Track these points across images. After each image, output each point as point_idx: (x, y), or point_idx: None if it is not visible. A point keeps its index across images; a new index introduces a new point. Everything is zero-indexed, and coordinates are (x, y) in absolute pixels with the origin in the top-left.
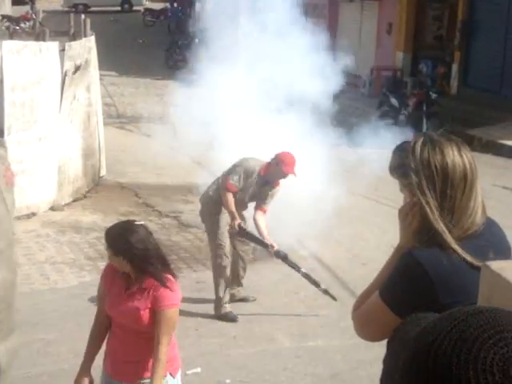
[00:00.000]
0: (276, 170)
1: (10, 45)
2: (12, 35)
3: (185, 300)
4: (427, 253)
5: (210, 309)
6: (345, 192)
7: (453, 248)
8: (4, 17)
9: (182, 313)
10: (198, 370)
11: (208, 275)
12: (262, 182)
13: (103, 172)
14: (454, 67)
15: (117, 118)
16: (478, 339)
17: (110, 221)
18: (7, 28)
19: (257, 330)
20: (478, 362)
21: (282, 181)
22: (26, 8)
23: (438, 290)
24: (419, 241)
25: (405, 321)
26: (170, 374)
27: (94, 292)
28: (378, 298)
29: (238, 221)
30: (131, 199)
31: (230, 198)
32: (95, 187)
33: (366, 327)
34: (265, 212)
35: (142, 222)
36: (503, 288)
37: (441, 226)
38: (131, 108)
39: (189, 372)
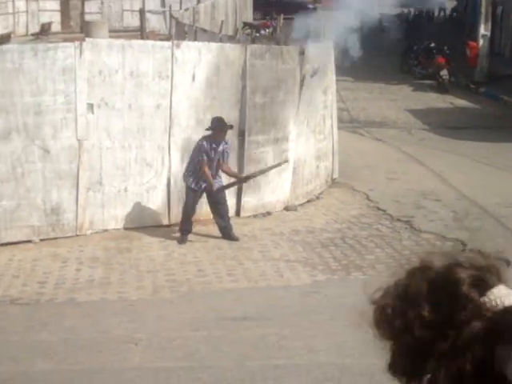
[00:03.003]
0: None
1: (254, 48)
2: (254, 41)
3: None
4: None
5: None
6: None
7: None
8: (246, 24)
9: None
10: None
11: None
12: None
13: (335, 174)
14: None
15: (349, 122)
16: None
17: (342, 222)
18: (248, 34)
19: None
20: None
21: None
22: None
23: None
24: None
25: None
26: None
27: (326, 291)
28: None
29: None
30: (363, 202)
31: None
32: (328, 189)
33: None
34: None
35: None
36: None
37: None
38: (364, 113)
39: None
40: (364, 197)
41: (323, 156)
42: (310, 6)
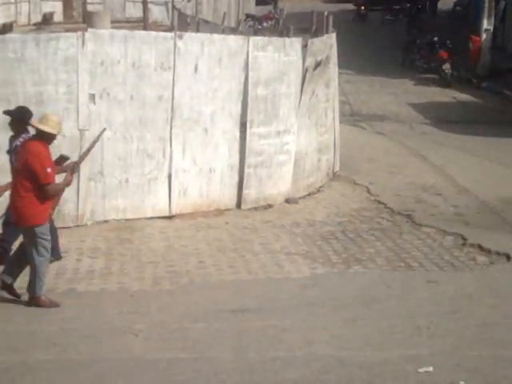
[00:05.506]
0: None
1: (256, 41)
2: (256, 33)
3: (415, 299)
4: None
5: (442, 308)
6: None
7: None
8: (248, 16)
9: (413, 311)
10: (431, 368)
11: (441, 275)
12: None
13: (337, 168)
14: None
15: (350, 115)
16: None
17: (343, 215)
18: (250, 27)
19: (493, 334)
20: None
21: None
22: (269, 8)
23: None
24: None
25: None
26: None
27: (326, 284)
28: None
29: None
30: (363, 195)
31: None
32: (329, 182)
33: None
34: None
35: None
36: None
37: None
38: (366, 106)
39: (421, 370)
40: (365, 190)
41: (325, 149)
42: None
